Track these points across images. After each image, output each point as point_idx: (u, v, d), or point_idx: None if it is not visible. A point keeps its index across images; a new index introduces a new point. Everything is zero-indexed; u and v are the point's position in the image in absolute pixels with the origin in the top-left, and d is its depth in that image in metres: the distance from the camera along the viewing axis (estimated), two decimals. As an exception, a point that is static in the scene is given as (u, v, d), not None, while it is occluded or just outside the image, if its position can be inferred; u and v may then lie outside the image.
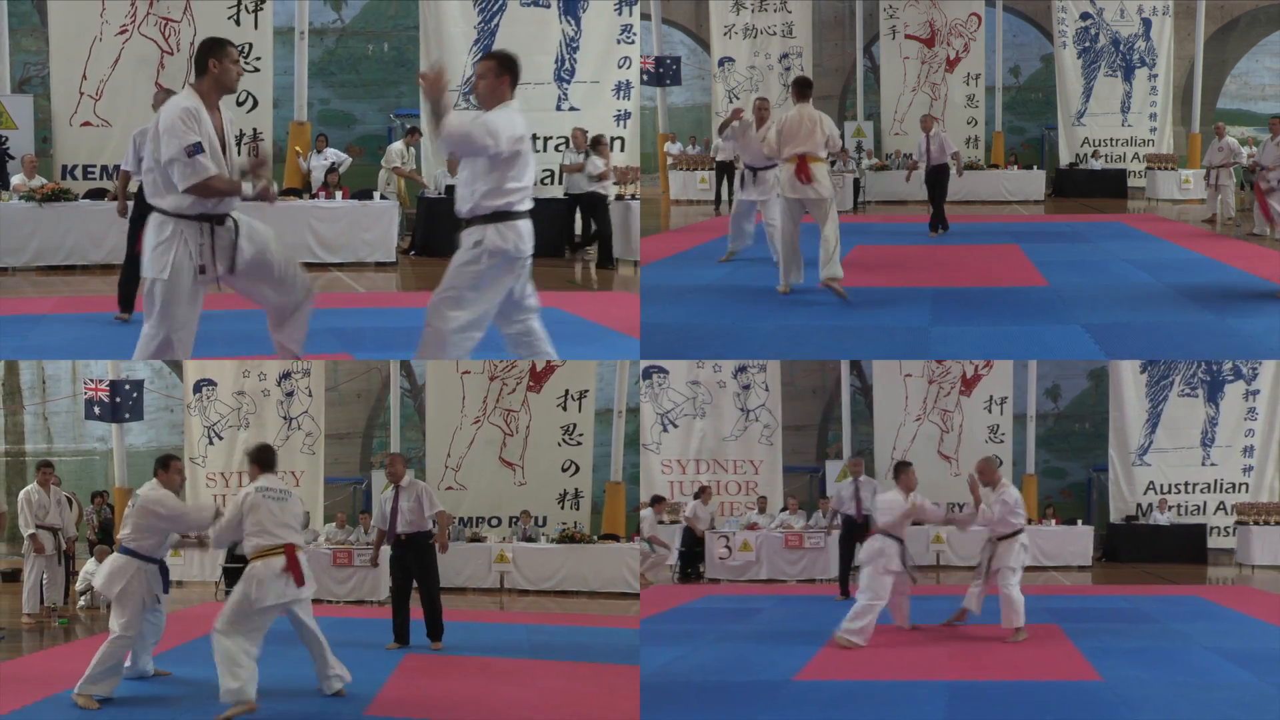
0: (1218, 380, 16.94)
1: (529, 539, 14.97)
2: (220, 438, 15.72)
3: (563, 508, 15.89)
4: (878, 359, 16.97)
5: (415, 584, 9.66)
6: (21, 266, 13.09)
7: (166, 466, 7.37)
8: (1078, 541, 15.96)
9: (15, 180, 13.83)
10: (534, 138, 15.61)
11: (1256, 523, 15.68)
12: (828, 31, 22.25)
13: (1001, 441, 17.12)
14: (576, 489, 16.04)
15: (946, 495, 16.97)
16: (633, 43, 16.14)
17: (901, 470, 9.62)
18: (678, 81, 20.40)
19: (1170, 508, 16.74)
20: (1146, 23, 21.27)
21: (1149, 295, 10.72)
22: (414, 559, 9.55)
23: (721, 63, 21.20)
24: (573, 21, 15.96)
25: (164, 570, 7.43)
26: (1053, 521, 16.32)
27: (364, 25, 17.97)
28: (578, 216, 14.86)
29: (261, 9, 15.26)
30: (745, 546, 14.96)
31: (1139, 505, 16.90)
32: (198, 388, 15.74)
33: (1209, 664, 8.31)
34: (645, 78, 19.13)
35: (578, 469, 16.06)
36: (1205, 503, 16.93)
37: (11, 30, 15.22)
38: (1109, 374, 17.26)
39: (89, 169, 15.02)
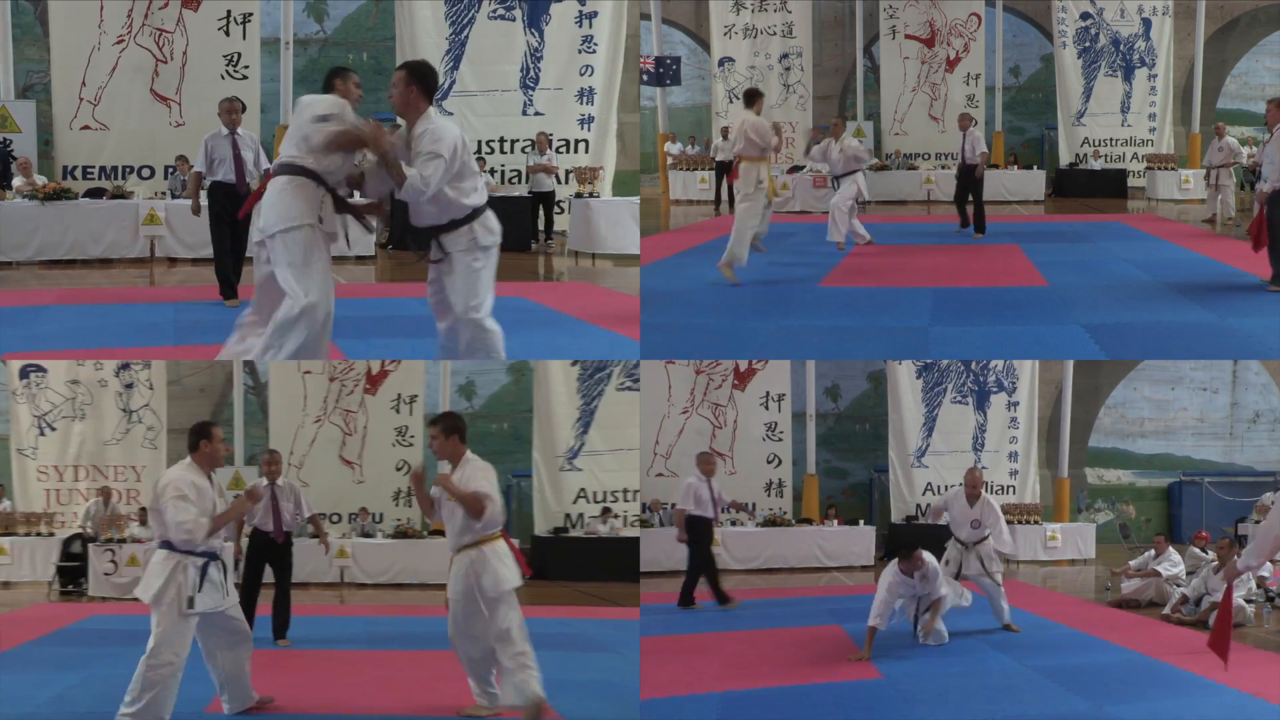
0: (984, 390, 17.29)
1: (367, 535, 15.29)
2: (53, 429, 15.29)
3: (397, 504, 15.94)
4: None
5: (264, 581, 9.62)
6: (25, 261, 13.67)
7: (209, 436, 6.37)
8: (860, 541, 15.85)
9: (17, 182, 14.26)
10: (501, 140, 16.50)
11: (1021, 522, 16.55)
12: (828, 31, 22.24)
13: (781, 439, 16.91)
14: (410, 487, 16.02)
15: (725, 495, 16.72)
16: (594, 52, 16.72)
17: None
18: (678, 81, 20.41)
19: None
20: (1146, 23, 21.26)
21: (1149, 295, 10.74)
22: (275, 558, 9.62)
23: (721, 63, 21.20)
24: (536, 33, 16.67)
25: (217, 563, 6.37)
26: (835, 522, 16.23)
27: (344, 36, 18.35)
28: (540, 212, 16.08)
29: (249, 21, 15.81)
30: (133, 561, 13.25)
31: (919, 505, 16.89)
32: (24, 373, 15.16)
33: (979, 652, 8.89)
34: (645, 78, 19.21)
35: (410, 468, 16.09)
36: None
37: (15, 40, 15.86)
38: (887, 376, 17.24)
39: (88, 169, 15.50)
